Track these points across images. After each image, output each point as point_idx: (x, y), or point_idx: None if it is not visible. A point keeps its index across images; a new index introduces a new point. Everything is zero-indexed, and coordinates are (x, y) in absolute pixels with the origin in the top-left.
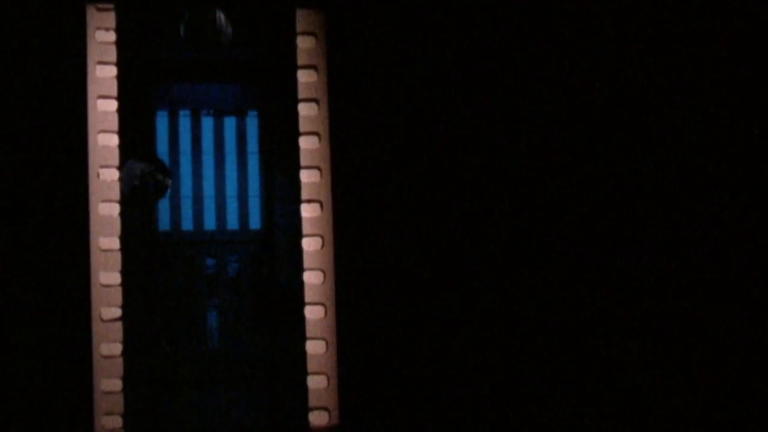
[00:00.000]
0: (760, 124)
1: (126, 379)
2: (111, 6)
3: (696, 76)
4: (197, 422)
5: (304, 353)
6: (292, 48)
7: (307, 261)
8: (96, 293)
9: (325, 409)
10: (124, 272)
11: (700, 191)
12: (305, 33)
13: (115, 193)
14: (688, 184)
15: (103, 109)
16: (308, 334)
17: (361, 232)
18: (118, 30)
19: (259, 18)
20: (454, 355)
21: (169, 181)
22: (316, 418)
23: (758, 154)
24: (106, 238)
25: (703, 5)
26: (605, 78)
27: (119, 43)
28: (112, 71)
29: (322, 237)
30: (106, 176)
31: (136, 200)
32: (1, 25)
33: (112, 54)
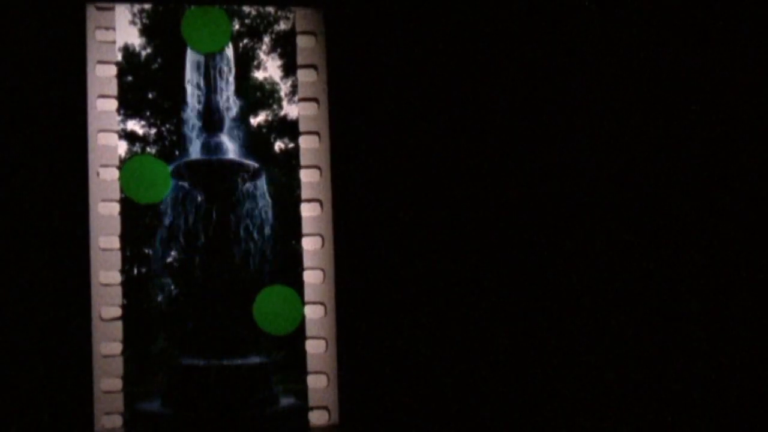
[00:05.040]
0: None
1: (126, 379)
2: (111, 5)
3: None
4: None
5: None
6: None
7: (307, 260)
8: (96, 293)
9: (325, 408)
10: (124, 272)
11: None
12: (305, 32)
13: (115, 192)
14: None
15: (103, 108)
16: (308, 333)
17: (361, 232)
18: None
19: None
20: (454, 355)
21: None
22: (316, 418)
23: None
24: (106, 238)
25: None
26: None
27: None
28: (112, 71)
29: (321, 236)
30: (106, 176)
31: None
32: (1, 25)
33: (112, 53)
